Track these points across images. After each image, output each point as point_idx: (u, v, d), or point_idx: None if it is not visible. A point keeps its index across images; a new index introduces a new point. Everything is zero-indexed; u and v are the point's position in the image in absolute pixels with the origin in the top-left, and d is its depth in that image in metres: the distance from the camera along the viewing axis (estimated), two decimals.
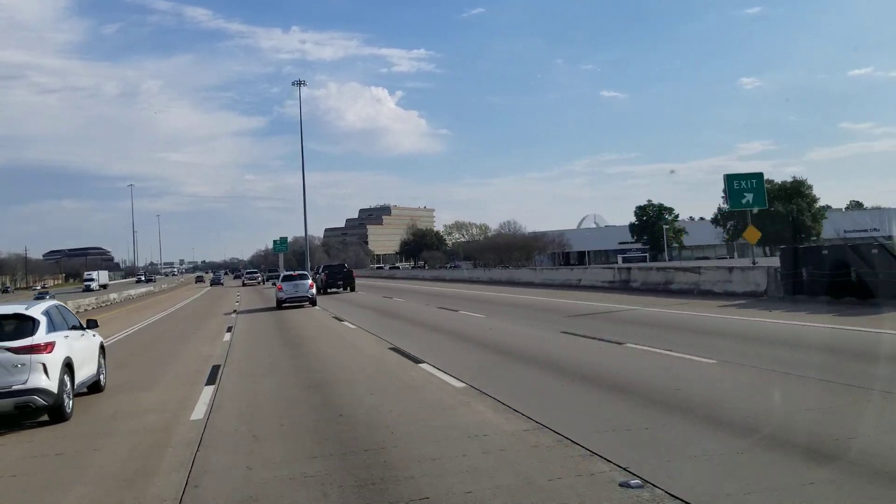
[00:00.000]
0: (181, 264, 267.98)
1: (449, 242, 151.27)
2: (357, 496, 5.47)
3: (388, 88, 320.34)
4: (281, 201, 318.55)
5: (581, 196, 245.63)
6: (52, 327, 9.55)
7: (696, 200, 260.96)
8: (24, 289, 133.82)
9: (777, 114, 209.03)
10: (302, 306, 30.42)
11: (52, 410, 9.09)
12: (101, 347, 11.84)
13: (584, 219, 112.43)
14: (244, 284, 74.18)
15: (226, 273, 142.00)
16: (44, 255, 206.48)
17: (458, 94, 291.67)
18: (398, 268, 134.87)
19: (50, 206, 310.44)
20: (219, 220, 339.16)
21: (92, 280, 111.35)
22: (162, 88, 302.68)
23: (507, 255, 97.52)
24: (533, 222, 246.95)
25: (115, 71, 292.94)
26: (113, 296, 55.81)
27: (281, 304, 30.99)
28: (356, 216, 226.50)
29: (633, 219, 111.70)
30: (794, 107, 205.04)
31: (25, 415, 9.06)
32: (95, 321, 11.98)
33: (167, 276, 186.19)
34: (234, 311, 31.63)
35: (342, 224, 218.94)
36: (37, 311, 9.56)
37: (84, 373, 10.42)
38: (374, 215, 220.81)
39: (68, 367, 9.52)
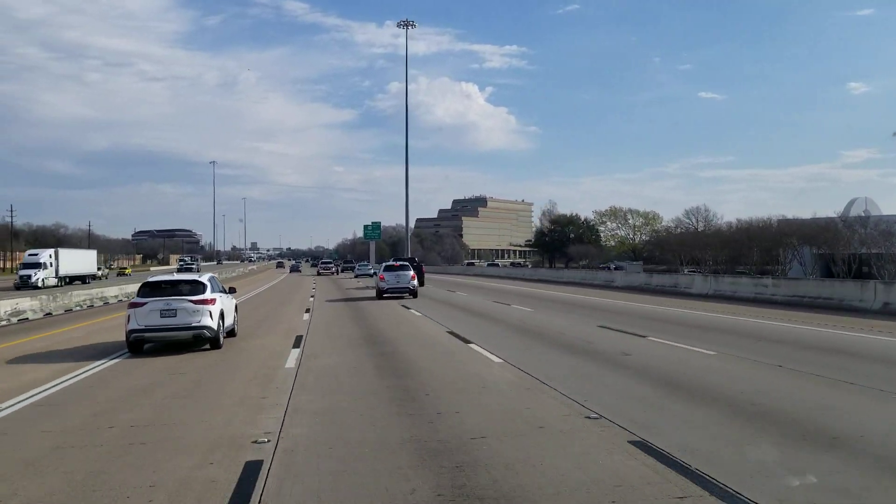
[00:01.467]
0: (265, 251, 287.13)
1: (602, 235, 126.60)
2: None
3: (478, 84, 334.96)
4: (367, 193, 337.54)
5: (671, 199, 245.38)
6: (213, 289, 16.56)
7: (796, 208, 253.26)
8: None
9: (886, 121, 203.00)
10: (402, 297, 32.97)
11: (212, 341, 16.08)
12: (236, 307, 19.00)
13: (852, 203, 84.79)
14: (319, 274, 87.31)
15: (306, 261, 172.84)
16: (132, 235, 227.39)
17: (548, 91, 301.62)
18: (496, 265, 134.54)
19: (148, 189, 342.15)
20: (306, 209, 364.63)
21: (38, 266, 59.96)
22: (259, 80, 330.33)
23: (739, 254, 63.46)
24: None
25: (215, 61, 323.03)
26: (35, 304, 27.87)
27: (381, 295, 32.97)
28: (448, 206, 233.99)
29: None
30: None
31: (196, 342, 16.09)
32: (234, 288, 19.32)
33: (244, 261, 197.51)
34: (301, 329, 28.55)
35: (434, 215, 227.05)
36: (205, 278, 16.69)
37: (228, 321, 17.46)
38: (468, 207, 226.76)
39: (221, 315, 16.49)
